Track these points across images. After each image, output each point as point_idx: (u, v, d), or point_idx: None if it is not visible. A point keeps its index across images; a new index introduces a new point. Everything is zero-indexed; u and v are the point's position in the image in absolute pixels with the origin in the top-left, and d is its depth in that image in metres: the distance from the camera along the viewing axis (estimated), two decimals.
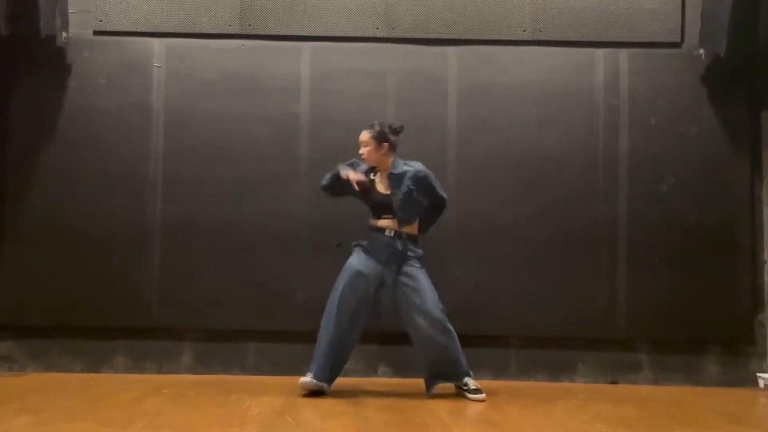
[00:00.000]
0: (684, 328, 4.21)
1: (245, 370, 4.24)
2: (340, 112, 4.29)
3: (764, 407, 3.73)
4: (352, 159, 3.79)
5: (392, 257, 3.67)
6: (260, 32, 4.35)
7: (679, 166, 4.26)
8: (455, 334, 3.61)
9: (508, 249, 4.20)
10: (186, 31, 4.34)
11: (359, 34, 4.36)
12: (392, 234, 3.69)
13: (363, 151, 3.76)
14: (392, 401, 3.50)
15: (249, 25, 4.34)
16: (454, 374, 3.66)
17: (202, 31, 4.34)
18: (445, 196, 3.81)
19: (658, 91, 4.29)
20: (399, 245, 3.67)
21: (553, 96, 4.31)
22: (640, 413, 3.35)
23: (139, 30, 4.34)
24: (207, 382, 3.96)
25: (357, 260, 3.72)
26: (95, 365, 4.23)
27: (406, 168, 3.71)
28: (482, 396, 3.57)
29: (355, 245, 3.79)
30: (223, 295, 4.20)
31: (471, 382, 3.64)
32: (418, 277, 3.65)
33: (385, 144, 3.72)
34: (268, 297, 4.21)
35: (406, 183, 3.67)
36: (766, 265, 4.25)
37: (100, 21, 4.33)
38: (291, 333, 4.21)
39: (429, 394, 3.65)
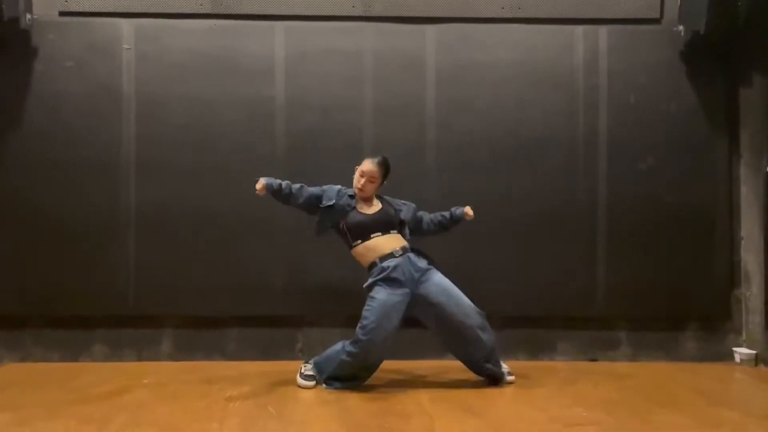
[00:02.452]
0: (662, 306, 4.25)
1: (226, 356, 4.22)
2: (316, 94, 4.21)
3: (741, 383, 3.79)
4: (339, 187, 3.64)
5: (413, 275, 3.49)
6: (232, 12, 4.23)
7: (659, 145, 4.25)
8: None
9: (487, 229, 4.16)
10: (156, 11, 4.20)
11: (335, 12, 4.26)
12: (401, 252, 3.52)
13: (366, 184, 3.56)
14: (375, 389, 3.49)
15: (221, 5, 4.21)
16: (498, 364, 3.64)
17: (173, 11, 4.21)
18: None
19: (637, 69, 4.25)
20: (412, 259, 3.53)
21: (533, 75, 4.26)
22: (619, 394, 3.39)
23: (106, 10, 4.19)
24: (188, 370, 3.93)
25: (386, 294, 3.42)
26: (73, 355, 4.18)
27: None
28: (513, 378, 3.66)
29: (372, 285, 3.48)
30: (202, 281, 4.15)
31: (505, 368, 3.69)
32: (443, 282, 3.56)
33: (386, 176, 3.66)
34: (248, 282, 4.16)
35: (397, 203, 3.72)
36: (743, 242, 4.29)
37: (66, 1, 4.17)
38: (272, 318, 4.21)
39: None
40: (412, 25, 4.26)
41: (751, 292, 4.23)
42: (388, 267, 3.44)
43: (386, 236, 3.53)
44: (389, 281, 3.43)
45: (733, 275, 4.29)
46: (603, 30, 4.26)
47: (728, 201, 4.27)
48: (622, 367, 4.13)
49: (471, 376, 3.65)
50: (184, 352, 4.22)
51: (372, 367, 3.49)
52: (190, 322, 4.22)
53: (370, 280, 3.49)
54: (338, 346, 3.50)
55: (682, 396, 3.38)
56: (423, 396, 3.33)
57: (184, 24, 4.21)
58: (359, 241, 3.54)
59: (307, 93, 4.21)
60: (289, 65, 4.21)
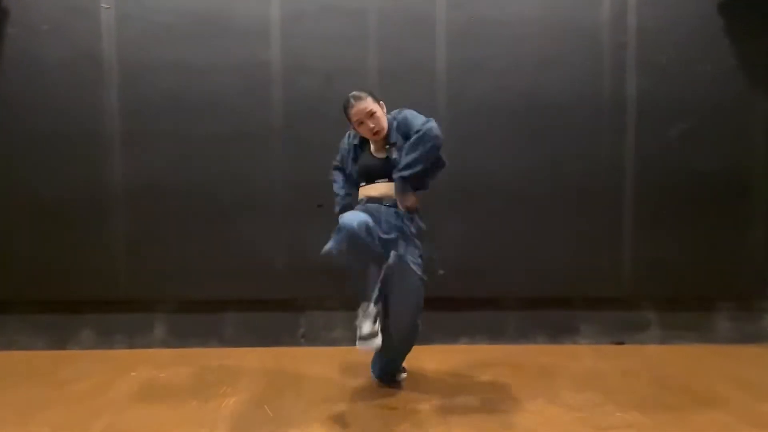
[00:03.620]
0: (694, 283, 3.93)
1: (223, 342, 3.94)
2: (315, 58, 3.83)
3: None
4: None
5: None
6: None
7: (692, 110, 3.87)
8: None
9: (504, 204, 3.86)
10: None
11: None
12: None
13: (374, 122, 2.95)
14: (383, 388, 3.20)
15: None
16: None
17: None
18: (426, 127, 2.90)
19: (669, 25, 3.84)
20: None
21: (554, 33, 3.85)
22: (653, 388, 3.08)
23: None
24: (182, 358, 3.67)
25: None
26: (60, 342, 3.92)
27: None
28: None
29: None
30: (197, 262, 3.86)
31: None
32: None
33: (381, 101, 3.07)
34: (245, 263, 3.86)
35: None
36: None
37: None
38: (271, 301, 3.93)
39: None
40: None
41: None
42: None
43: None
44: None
45: None
46: None
47: (766, 170, 3.90)
48: (652, 350, 3.84)
49: (485, 358, 3.36)
50: (178, 338, 3.94)
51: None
52: (185, 306, 3.94)
53: None
54: None
55: (722, 389, 3.06)
56: (434, 397, 3.01)
57: None
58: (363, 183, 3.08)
59: (305, 56, 3.84)
60: (286, 26, 3.83)
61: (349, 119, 3.01)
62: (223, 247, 3.86)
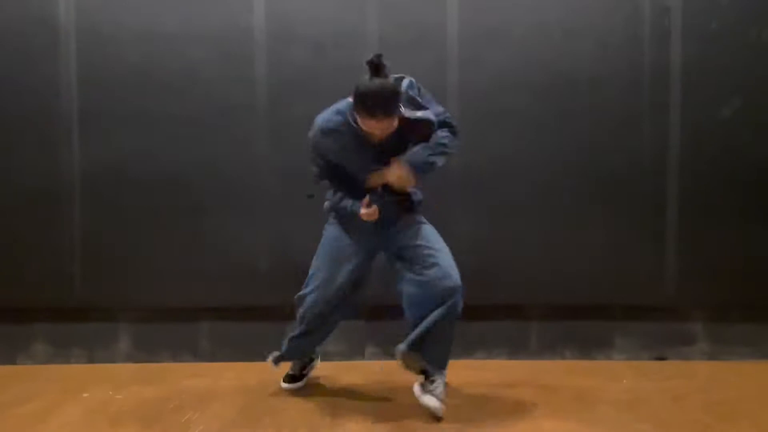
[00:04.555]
0: (748, 291, 3.40)
1: (198, 356, 3.42)
2: (305, 24, 3.33)
3: None
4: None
5: None
6: None
7: (747, 84, 3.34)
8: None
9: (525, 197, 3.36)
10: None
11: None
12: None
13: (385, 132, 2.44)
14: (385, 398, 2.66)
15: None
16: None
17: None
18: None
19: None
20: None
21: None
22: (710, 415, 2.52)
23: None
24: (146, 375, 3.15)
25: None
26: (9, 356, 3.42)
27: None
28: None
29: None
30: (167, 264, 3.37)
31: None
32: None
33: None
34: (224, 265, 3.37)
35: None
36: None
37: None
38: (253, 309, 3.42)
39: None
40: None
41: None
42: None
43: None
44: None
45: None
46: None
47: None
48: (700, 367, 3.29)
49: (504, 374, 2.82)
50: (145, 351, 3.42)
51: None
52: (153, 315, 3.44)
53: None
54: None
55: None
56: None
57: None
58: None
59: (294, 23, 3.33)
60: None
61: (355, 118, 2.44)
62: (198, 246, 3.37)
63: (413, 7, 3.33)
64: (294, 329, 2.83)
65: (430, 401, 2.50)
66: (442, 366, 2.61)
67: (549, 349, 3.45)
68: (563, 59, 3.34)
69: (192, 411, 2.60)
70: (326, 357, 3.36)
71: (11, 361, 3.41)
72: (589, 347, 3.45)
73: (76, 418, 2.55)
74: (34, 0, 3.29)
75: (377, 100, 2.29)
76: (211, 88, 3.33)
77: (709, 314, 3.45)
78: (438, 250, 2.59)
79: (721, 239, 3.37)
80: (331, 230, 2.74)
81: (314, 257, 2.78)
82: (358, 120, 2.40)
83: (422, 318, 2.52)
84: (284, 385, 2.94)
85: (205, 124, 3.33)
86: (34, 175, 3.32)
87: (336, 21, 3.32)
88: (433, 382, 2.57)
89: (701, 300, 3.43)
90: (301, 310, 2.78)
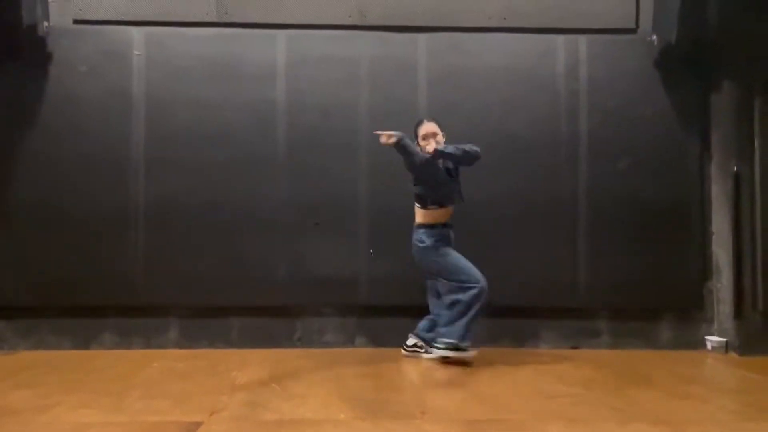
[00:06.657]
0: (640, 297, 4.51)
1: (229, 344, 4.45)
2: (315, 97, 4.48)
3: (710, 367, 4.06)
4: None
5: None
6: (237, 20, 4.51)
7: (636, 146, 4.53)
8: None
9: (477, 224, 4.37)
10: (165, 19, 4.48)
11: (333, 21, 4.55)
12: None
13: (440, 138, 3.99)
14: (369, 368, 3.76)
15: (226, 14, 4.49)
16: None
17: (181, 20, 4.49)
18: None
19: (615, 76, 4.55)
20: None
21: (518, 81, 4.54)
22: (597, 374, 3.67)
23: (118, 19, 4.47)
24: (194, 356, 4.17)
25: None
26: (84, 342, 4.40)
27: None
28: None
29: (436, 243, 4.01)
30: (207, 272, 4.39)
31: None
32: None
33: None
34: (250, 274, 4.41)
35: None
36: (714, 237, 4.56)
37: (80, 10, 4.45)
38: (272, 308, 4.45)
39: None
40: (405, 34, 4.56)
41: (721, 284, 4.50)
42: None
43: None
44: (447, 241, 4.06)
45: (705, 268, 4.57)
46: (583, 39, 4.57)
47: (700, 198, 4.56)
48: (603, 354, 4.38)
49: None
50: (189, 340, 4.45)
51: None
52: (196, 312, 4.45)
53: (431, 240, 4.00)
54: (448, 313, 3.91)
55: (656, 376, 3.66)
56: (413, 374, 3.59)
57: (192, 32, 4.49)
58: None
59: (306, 96, 4.48)
60: (290, 70, 4.49)
61: (416, 133, 4.02)
62: (231, 260, 4.41)
63: (393, 86, 4.52)
64: (468, 317, 3.84)
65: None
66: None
67: (492, 339, 4.44)
68: (503, 125, 4.52)
69: (235, 372, 3.64)
70: (324, 345, 4.43)
71: (85, 347, 4.39)
72: (522, 339, 4.54)
73: (156, 374, 3.61)
74: (114, 77, 4.42)
75: (423, 117, 4.09)
76: (244, 142, 4.45)
77: (611, 314, 4.55)
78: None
79: (620, 258, 4.50)
80: (442, 247, 4.00)
81: (448, 267, 3.95)
82: (418, 141, 4.00)
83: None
84: (449, 353, 3.83)
85: (239, 168, 4.43)
86: (110, 205, 4.38)
87: (337, 96, 4.47)
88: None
89: (605, 303, 4.53)
90: (483, 299, 3.86)
